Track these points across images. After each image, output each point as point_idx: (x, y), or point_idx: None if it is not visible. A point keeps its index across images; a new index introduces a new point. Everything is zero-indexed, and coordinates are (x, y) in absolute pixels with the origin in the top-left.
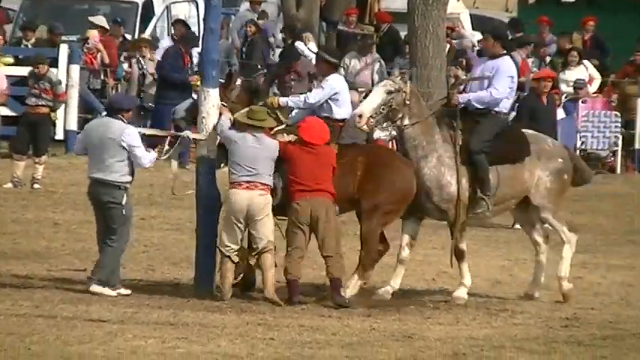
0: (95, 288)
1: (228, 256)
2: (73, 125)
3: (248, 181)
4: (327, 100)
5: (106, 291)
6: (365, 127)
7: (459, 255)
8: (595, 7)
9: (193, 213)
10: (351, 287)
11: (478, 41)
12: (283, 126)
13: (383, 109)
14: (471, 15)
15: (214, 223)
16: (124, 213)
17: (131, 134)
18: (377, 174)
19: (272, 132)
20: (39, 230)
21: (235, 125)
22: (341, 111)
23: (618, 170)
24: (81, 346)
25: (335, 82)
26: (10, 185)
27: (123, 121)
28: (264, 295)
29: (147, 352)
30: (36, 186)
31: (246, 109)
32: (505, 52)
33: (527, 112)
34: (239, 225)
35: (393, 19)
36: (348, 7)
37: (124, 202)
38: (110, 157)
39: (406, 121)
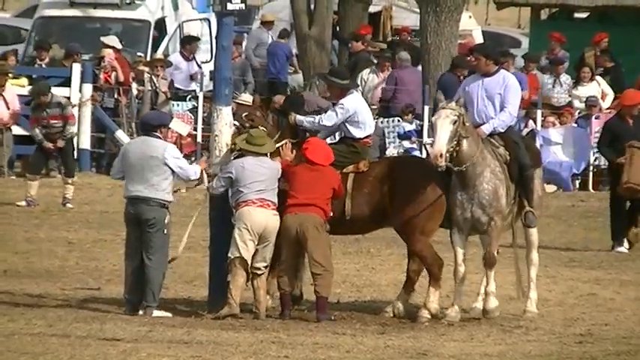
0: (157, 313)
1: (247, 271)
2: (86, 144)
3: (260, 199)
4: (343, 123)
5: (166, 313)
6: (443, 163)
7: (491, 262)
8: (607, 22)
9: (206, 231)
10: (434, 301)
11: None
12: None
13: (454, 140)
14: (483, 32)
15: (228, 242)
16: (165, 232)
17: (173, 151)
18: (407, 189)
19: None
20: (52, 249)
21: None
22: (359, 132)
23: None
24: None
25: (349, 105)
26: (24, 204)
27: (160, 138)
28: (259, 316)
29: None
30: (69, 205)
31: (245, 134)
32: (497, 67)
33: (610, 136)
34: (254, 241)
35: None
36: (360, 25)
37: (166, 221)
38: (155, 175)
39: (464, 142)
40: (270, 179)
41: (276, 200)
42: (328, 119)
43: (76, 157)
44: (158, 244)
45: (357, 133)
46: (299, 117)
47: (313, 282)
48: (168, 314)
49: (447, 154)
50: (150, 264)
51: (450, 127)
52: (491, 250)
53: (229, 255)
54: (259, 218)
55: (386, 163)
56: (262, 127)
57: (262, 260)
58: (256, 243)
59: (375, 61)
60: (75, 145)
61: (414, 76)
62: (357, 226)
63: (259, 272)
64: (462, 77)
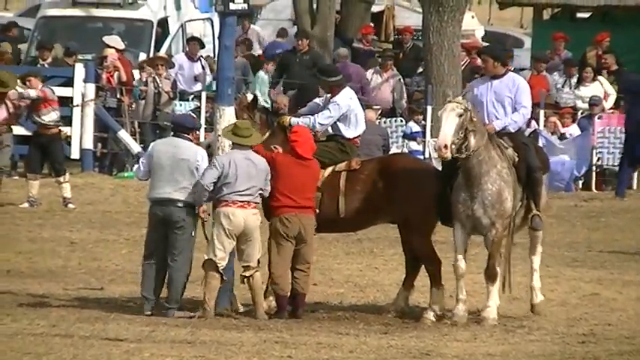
0: (178, 314)
1: (221, 273)
2: (88, 144)
3: (242, 201)
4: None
5: (188, 313)
6: (448, 155)
7: (493, 276)
8: (609, 22)
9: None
10: (438, 300)
11: None
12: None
13: (460, 133)
14: (485, 32)
15: None
16: (192, 234)
17: (205, 157)
18: (402, 185)
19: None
20: (55, 249)
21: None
22: (350, 131)
23: (634, 186)
24: None
25: (343, 102)
26: (26, 205)
27: (191, 140)
28: (257, 317)
29: None
30: (70, 206)
31: (231, 124)
32: (505, 70)
33: None
34: (232, 242)
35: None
36: (362, 25)
37: (194, 223)
38: (185, 178)
39: (472, 139)
40: (256, 180)
41: (259, 200)
42: (323, 120)
43: (78, 157)
44: (184, 245)
45: (347, 132)
46: (294, 118)
47: (294, 279)
48: (191, 314)
49: (454, 147)
50: (174, 265)
51: (455, 119)
52: (493, 262)
53: (205, 255)
54: (237, 219)
55: (378, 161)
56: None
57: (250, 259)
58: (235, 243)
59: (379, 61)
60: (76, 145)
61: (353, 73)
62: (351, 224)
63: (248, 273)
64: None
